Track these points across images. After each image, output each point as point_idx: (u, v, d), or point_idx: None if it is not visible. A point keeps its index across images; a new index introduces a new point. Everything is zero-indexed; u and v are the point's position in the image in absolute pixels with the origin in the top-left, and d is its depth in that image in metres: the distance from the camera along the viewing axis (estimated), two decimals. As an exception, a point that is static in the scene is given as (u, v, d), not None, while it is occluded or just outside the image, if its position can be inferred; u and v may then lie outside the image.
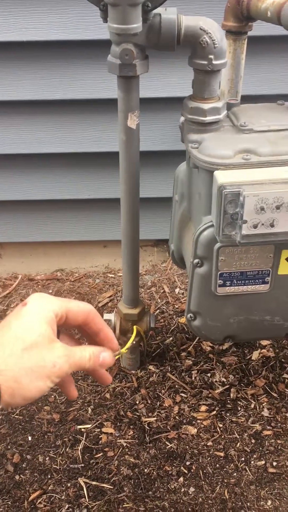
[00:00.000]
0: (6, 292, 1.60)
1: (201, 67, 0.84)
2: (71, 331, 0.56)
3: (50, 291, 1.60)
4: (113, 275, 1.67)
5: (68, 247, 1.69)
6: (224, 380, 1.26)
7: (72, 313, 0.53)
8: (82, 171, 1.51)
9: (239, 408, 1.19)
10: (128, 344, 0.65)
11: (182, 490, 1.05)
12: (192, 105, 0.89)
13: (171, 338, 1.40)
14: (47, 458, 1.11)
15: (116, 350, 0.57)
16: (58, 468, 1.09)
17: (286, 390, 1.23)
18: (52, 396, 1.24)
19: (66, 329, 0.55)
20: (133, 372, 1.30)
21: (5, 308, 1.54)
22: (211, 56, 0.83)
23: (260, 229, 0.83)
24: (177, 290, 1.58)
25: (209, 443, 1.13)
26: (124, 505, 1.02)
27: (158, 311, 1.50)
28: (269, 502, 1.03)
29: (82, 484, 1.06)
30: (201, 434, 1.14)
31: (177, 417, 1.18)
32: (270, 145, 0.86)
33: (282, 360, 1.30)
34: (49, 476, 1.08)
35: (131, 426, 1.17)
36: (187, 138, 0.92)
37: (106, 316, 1.23)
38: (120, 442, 1.14)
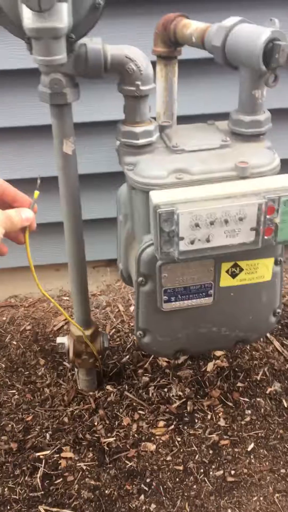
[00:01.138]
0: None
1: (129, 93, 0.88)
2: None
3: (4, 318, 1.59)
4: (67, 298, 1.67)
5: (21, 272, 1.68)
6: (181, 393, 1.27)
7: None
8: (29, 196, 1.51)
9: (196, 420, 1.21)
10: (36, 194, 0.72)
11: (144, 507, 1.05)
12: (125, 129, 0.92)
13: (127, 357, 1.41)
14: (5, 489, 1.09)
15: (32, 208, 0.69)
16: (17, 498, 1.08)
17: (241, 398, 1.26)
18: (10, 425, 1.23)
19: None
20: (91, 393, 1.30)
21: None
22: (138, 82, 0.86)
23: (197, 245, 0.86)
24: (132, 308, 1.60)
25: (168, 458, 1.14)
26: (86, 529, 1.02)
27: (113, 330, 1.51)
28: (229, 511, 1.04)
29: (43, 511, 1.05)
30: (160, 449, 1.15)
31: (136, 435, 1.19)
32: (201, 164, 0.90)
33: (236, 369, 1.33)
34: (8, 507, 1.06)
35: (90, 448, 1.17)
36: (123, 160, 0.94)
37: (59, 339, 1.23)
38: (80, 465, 1.13)
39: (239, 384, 1.29)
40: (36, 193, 0.71)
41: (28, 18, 0.70)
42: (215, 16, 1.22)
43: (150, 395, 1.28)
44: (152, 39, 1.08)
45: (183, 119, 1.21)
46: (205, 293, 0.98)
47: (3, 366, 1.40)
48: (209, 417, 1.22)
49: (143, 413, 1.24)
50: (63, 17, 0.72)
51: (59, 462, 1.14)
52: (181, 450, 1.15)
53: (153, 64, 1.05)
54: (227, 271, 0.97)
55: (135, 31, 1.28)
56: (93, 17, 0.79)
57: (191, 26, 1.00)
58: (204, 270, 0.95)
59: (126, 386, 1.31)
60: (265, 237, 0.87)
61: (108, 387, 1.31)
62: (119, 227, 1.19)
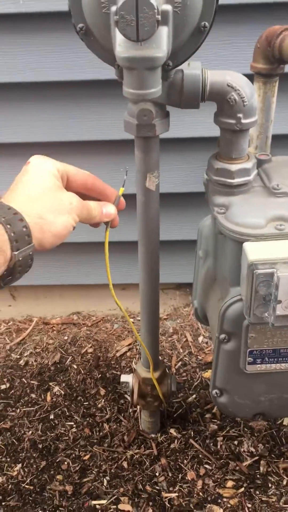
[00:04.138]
0: (19, 338, 1.52)
1: (228, 126, 0.75)
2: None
3: (66, 337, 1.52)
4: (132, 319, 1.58)
5: (86, 289, 1.61)
6: (253, 450, 1.15)
7: (72, 174, 0.61)
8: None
9: (270, 485, 1.08)
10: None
11: None
12: (218, 166, 0.79)
13: (194, 396, 1.29)
14: (58, 539, 1.02)
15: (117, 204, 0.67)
16: None
17: None
18: (66, 463, 1.15)
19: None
20: (153, 436, 1.20)
21: (18, 357, 1.46)
22: (240, 115, 0.73)
23: (296, 310, 0.73)
24: (200, 338, 1.48)
25: (237, 528, 1.02)
26: None
27: (180, 363, 1.40)
28: None
29: None
30: (227, 515, 1.04)
31: (201, 494, 1.08)
32: (307, 212, 0.76)
33: None
34: None
35: (150, 503, 1.07)
36: (212, 200, 0.82)
37: (124, 377, 1.14)
38: (138, 522, 1.04)
39: None
40: (121, 189, 0.69)
41: (120, 45, 0.59)
42: None
43: (219, 447, 1.16)
44: (247, 50, 0.95)
45: (278, 139, 1.07)
46: (297, 357, 0.85)
47: (63, 392, 1.33)
48: (285, 482, 1.08)
49: (210, 468, 1.12)
50: (162, 44, 0.60)
51: (116, 515, 1.05)
52: (252, 519, 1.03)
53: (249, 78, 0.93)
54: None
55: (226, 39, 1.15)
56: (196, 41, 0.66)
57: (302, 43, 0.85)
58: (299, 332, 0.82)
59: (192, 433, 1.19)
60: None
61: (172, 431, 1.20)
62: (197, 262, 1.07)
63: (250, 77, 0.93)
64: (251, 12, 1.11)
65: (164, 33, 0.61)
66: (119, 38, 0.59)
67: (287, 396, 0.91)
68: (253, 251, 0.72)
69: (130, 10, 0.53)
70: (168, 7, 0.60)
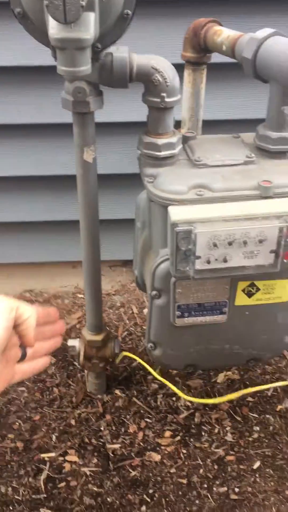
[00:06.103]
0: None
1: (154, 104, 0.85)
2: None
3: (18, 313, 1.59)
4: (82, 295, 1.67)
5: (37, 267, 1.68)
6: (189, 404, 1.26)
7: (20, 319, 0.55)
8: (51, 193, 1.51)
9: (203, 433, 1.20)
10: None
11: (145, 519, 1.05)
12: (147, 140, 0.89)
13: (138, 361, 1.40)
14: (9, 489, 1.10)
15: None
16: (20, 499, 1.09)
17: (250, 413, 1.24)
18: (17, 424, 1.24)
19: None
20: (99, 396, 1.29)
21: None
22: (164, 94, 0.84)
23: (213, 264, 0.84)
24: (145, 310, 1.59)
25: (172, 470, 1.13)
26: (85, 537, 1.02)
27: (126, 332, 1.51)
28: (231, 530, 1.04)
29: (44, 515, 1.06)
30: (164, 460, 1.15)
31: (141, 444, 1.18)
32: (223, 181, 0.87)
33: (247, 382, 1.31)
34: (10, 508, 1.07)
35: (95, 454, 1.17)
36: (143, 172, 0.92)
37: (71, 342, 1.23)
38: (84, 470, 1.13)
39: (249, 398, 1.28)
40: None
41: (53, 27, 0.68)
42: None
43: (158, 403, 1.27)
44: (177, 41, 1.05)
45: (208, 124, 1.18)
46: (219, 310, 0.96)
47: (14, 362, 1.40)
48: (216, 430, 1.20)
49: (150, 421, 1.23)
50: (89, 28, 0.69)
51: (63, 465, 1.14)
52: (186, 463, 1.14)
53: (181, 66, 1.03)
54: (243, 290, 0.95)
55: (161, 31, 1.25)
56: (121, 27, 0.76)
57: (223, 33, 0.96)
58: (219, 288, 0.93)
59: (135, 392, 1.30)
60: (285, 261, 0.85)
61: (117, 391, 1.30)
62: (136, 233, 1.17)
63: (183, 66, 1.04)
64: (183, 7, 1.21)
65: (91, 18, 0.70)
66: (51, 22, 0.68)
67: (213, 347, 1.02)
68: (176, 213, 0.82)
69: (58, -4, 0.62)
70: (94, -4, 0.70)
